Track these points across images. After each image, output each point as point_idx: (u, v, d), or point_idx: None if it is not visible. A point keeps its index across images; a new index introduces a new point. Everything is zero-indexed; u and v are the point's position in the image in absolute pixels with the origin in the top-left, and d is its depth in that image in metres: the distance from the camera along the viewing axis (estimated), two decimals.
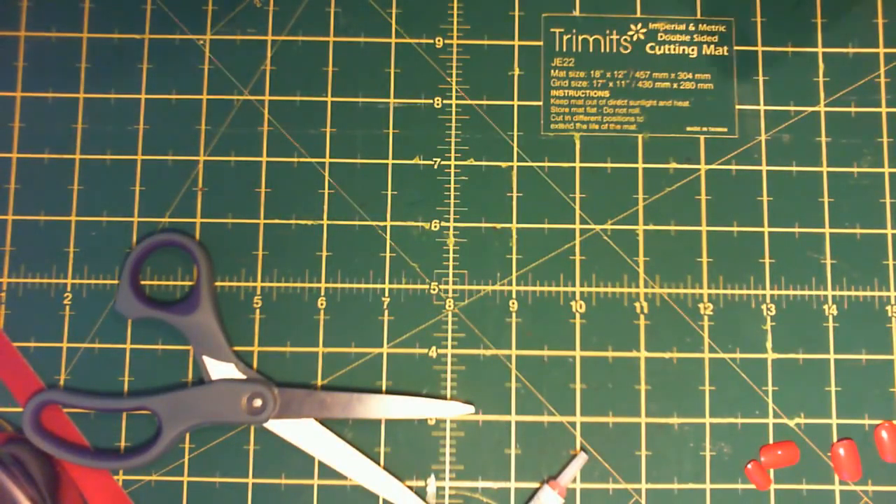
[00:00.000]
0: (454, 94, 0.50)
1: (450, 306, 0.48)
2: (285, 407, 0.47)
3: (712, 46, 0.51)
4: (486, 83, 0.50)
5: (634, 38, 0.51)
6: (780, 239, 0.49)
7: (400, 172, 0.49)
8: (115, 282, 0.48)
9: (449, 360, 0.48)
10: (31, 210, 0.49)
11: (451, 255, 0.49)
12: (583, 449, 0.47)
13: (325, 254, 0.49)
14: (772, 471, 0.47)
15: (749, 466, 0.47)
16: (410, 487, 0.47)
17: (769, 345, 0.48)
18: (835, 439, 0.47)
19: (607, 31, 0.51)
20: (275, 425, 0.46)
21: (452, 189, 0.49)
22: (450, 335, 0.48)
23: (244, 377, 0.47)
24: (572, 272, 0.49)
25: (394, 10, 0.51)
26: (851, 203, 0.49)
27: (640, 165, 0.49)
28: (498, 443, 0.47)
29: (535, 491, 0.47)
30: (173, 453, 0.47)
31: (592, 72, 0.50)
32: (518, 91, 0.50)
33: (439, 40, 0.50)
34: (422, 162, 0.49)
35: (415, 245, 0.49)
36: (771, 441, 0.47)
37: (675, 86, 0.50)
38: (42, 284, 0.48)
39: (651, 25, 0.51)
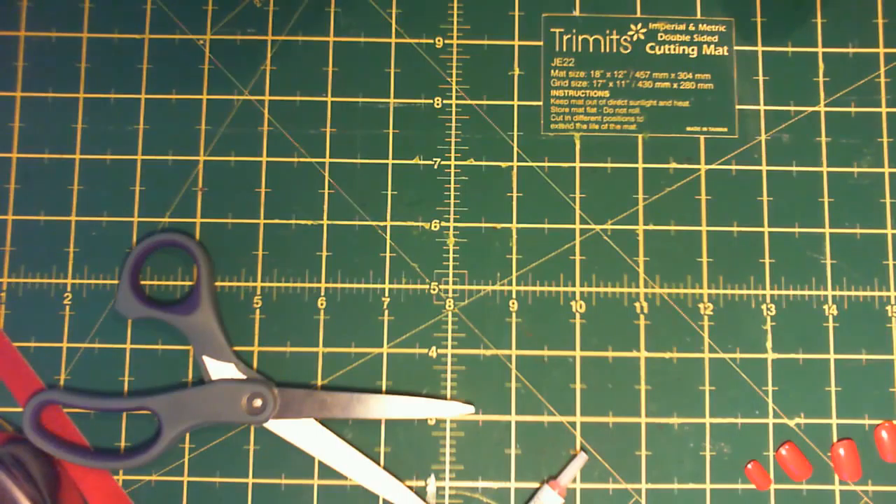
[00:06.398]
0: (454, 94, 0.50)
1: (450, 306, 0.48)
2: (285, 407, 0.47)
3: (712, 46, 0.51)
4: (486, 83, 0.50)
5: (634, 38, 0.51)
6: (780, 239, 0.49)
7: (400, 172, 0.49)
8: (115, 282, 0.48)
9: (449, 360, 0.48)
10: (31, 210, 0.49)
11: (451, 255, 0.49)
12: (583, 449, 0.47)
13: (325, 254, 0.49)
14: (772, 470, 0.47)
15: (749, 466, 0.47)
16: (410, 487, 0.47)
17: (769, 345, 0.48)
18: (835, 439, 0.47)
19: (607, 31, 0.51)
20: (275, 425, 0.46)
21: (452, 189, 0.49)
22: (450, 335, 0.48)
23: (244, 377, 0.47)
24: (572, 272, 0.49)
25: (394, 10, 0.51)
26: (851, 203, 0.49)
27: (640, 165, 0.49)
28: (498, 443, 0.47)
29: (535, 491, 0.47)
30: (173, 453, 0.47)
31: (592, 72, 0.50)
32: (518, 91, 0.50)
33: (439, 40, 0.50)
34: (422, 162, 0.49)
35: (415, 245, 0.49)
36: (771, 441, 0.47)
37: (675, 86, 0.50)
38: (42, 284, 0.48)
39: (651, 25, 0.51)
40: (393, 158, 0.49)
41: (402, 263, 0.49)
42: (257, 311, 0.48)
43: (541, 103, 0.50)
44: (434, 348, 0.48)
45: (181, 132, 0.50)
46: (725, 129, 0.50)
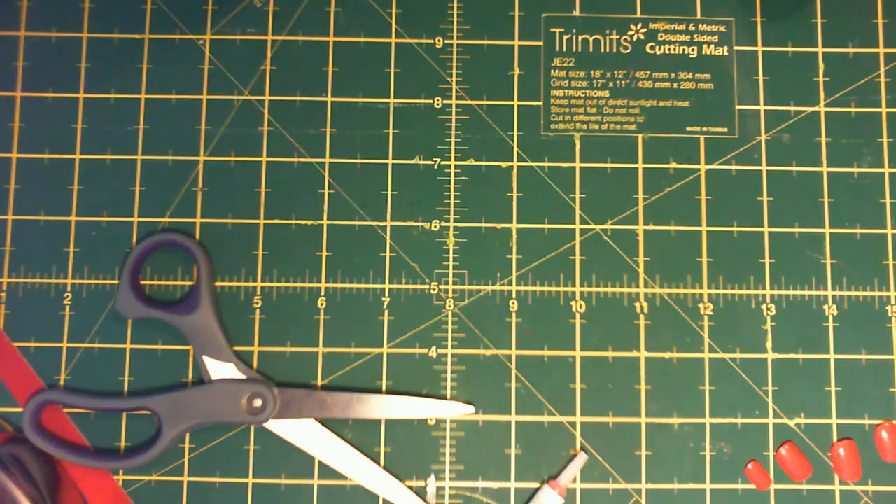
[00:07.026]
0: (454, 94, 0.50)
1: (450, 306, 0.48)
2: (285, 407, 0.47)
3: (712, 46, 0.51)
4: (486, 83, 0.50)
5: (634, 38, 0.51)
6: (780, 239, 0.49)
7: (400, 172, 0.49)
8: (115, 282, 0.48)
9: (449, 360, 0.48)
10: (31, 210, 0.49)
11: (451, 255, 0.49)
12: (583, 449, 0.47)
13: (325, 254, 0.49)
14: (772, 470, 0.47)
15: (749, 466, 0.47)
16: (410, 487, 0.47)
17: (769, 345, 0.48)
18: (835, 439, 0.47)
19: (607, 31, 0.51)
20: (275, 425, 0.46)
21: (452, 189, 0.49)
22: (450, 335, 0.48)
23: (244, 377, 0.47)
24: (572, 272, 0.49)
25: (394, 10, 0.51)
26: (851, 203, 0.49)
27: (640, 165, 0.49)
28: (498, 443, 0.47)
29: (535, 491, 0.47)
30: (173, 453, 0.47)
31: (592, 72, 0.50)
32: (518, 91, 0.50)
33: (439, 40, 0.50)
34: (422, 162, 0.49)
35: (415, 245, 0.49)
36: (771, 441, 0.47)
37: (675, 86, 0.50)
38: (42, 284, 0.48)
39: (651, 25, 0.51)
40: (393, 158, 0.49)
41: (402, 263, 0.49)
42: (257, 311, 0.48)
43: (541, 103, 0.50)
44: (434, 348, 0.48)
45: (181, 132, 0.50)
46: (725, 129, 0.50)
